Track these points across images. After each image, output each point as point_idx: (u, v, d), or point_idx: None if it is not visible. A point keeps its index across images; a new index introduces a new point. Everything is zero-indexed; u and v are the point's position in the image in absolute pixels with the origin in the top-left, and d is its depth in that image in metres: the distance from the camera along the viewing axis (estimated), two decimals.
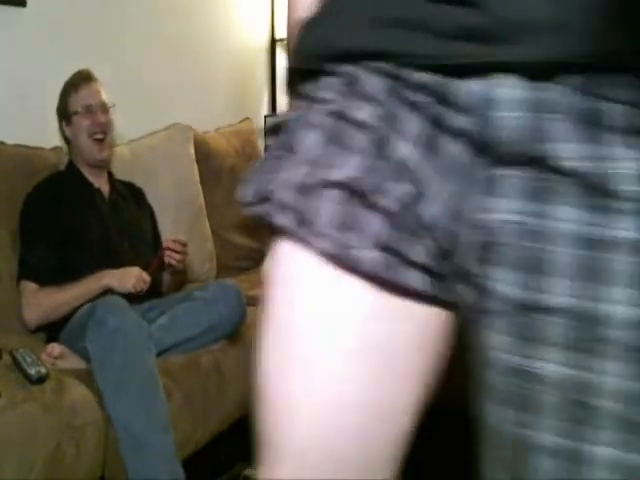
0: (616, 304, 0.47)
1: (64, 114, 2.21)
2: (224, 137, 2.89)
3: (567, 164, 0.48)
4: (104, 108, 2.20)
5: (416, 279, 0.54)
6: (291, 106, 0.66)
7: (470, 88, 0.51)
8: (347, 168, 0.54)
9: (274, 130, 0.63)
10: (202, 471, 1.81)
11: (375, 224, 0.53)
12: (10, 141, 2.15)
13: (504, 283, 0.50)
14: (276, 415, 0.58)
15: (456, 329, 0.59)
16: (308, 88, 0.60)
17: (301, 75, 0.62)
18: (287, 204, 0.55)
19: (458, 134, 0.52)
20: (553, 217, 0.48)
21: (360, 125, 0.55)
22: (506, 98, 0.50)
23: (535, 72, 0.49)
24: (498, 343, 0.51)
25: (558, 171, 0.48)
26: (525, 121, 0.49)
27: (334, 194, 0.54)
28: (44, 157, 2.23)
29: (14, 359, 1.63)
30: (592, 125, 0.48)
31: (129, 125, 2.51)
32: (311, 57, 0.59)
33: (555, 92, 0.49)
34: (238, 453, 2.00)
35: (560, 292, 0.48)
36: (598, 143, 0.48)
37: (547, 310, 0.48)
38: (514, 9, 0.48)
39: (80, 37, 2.44)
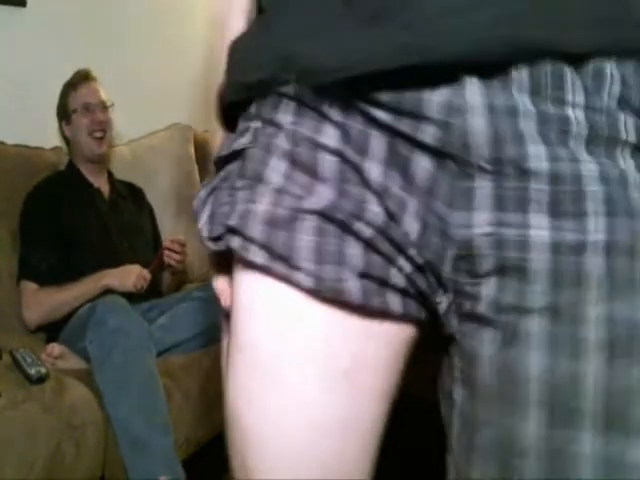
0: (593, 305, 0.48)
1: (64, 114, 2.21)
2: None
3: (538, 167, 0.48)
4: (103, 107, 2.20)
5: (392, 302, 0.55)
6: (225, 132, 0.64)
7: (432, 98, 0.49)
8: (318, 197, 0.53)
9: (228, 158, 0.60)
10: (202, 471, 1.80)
11: (352, 253, 0.53)
12: (10, 141, 2.15)
13: (487, 291, 0.51)
14: (249, 440, 0.58)
15: (418, 340, 0.60)
16: (262, 111, 0.58)
17: (239, 101, 0.60)
18: (259, 239, 0.54)
19: (426, 147, 0.51)
20: (527, 225, 0.49)
21: (324, 149, 0.54)
22: (471, 105, 0.49)
23: (491, 75, 0.48)
24: (484, 348, 0.52)
25: (529, 175, 0.49)
26: (492, 127, 0.49)
27: (307, 225, 0.53)
28: (44, 157, 2.23)
29: (14, 359, 1.63)
30: (559, 131, 0.49)
31: (129, 125, 2.51)
32: (262, 80, 0.56)
33: (518, 97, 0.49)
34: None
35: (540, 297, 0.49)
36: (565, 147, 0.49)
37: (529, 312, 0.50)
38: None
39: (80, 37, 2.44)
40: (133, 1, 2.67)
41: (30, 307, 1.97)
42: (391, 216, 0.53)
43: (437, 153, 0.51)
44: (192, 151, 2.69)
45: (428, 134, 0.50)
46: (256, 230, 0.54)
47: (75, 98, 2.19)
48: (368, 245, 0.53)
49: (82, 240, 2.06)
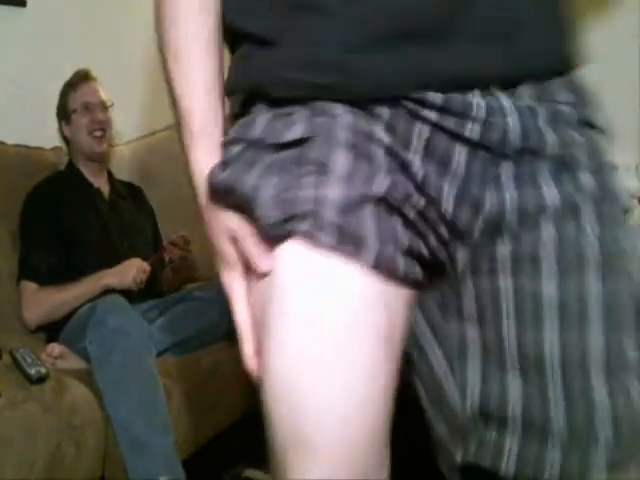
0: (590, 236, 0.66)
1: (63, 114, 2.22)
2: None
3: (552, 152, 0.65)
4: (103, 106, 2.21)
5: (418, 271, 0.66)
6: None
7: (478, 102, 0.63)
8: (376, 184, 0.62)
9: (284, 145, 0.64)
10: (202, 471, 1.80)
11: (399, 232, 0.64)
12: (10, 141, 2.15)
13: (505, 249, 0.66)
14: (303, 414, 0.61)
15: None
16: (317, 104, 0.64)
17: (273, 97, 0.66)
18: (332, 223, 0.61)
19: (465, 140, 0.63)
20: (542, 195, 0.65)
21: (377, 142, 0.63)
22: (507, 107, 0.64)
23: (511, 87, 0.64)
24: (505, 287, 0.67)
25: (543, 157, 0.65)
26: (522, 124, 0.64)
27: (369, 209, 0.62)
28: (44, 157, 2.23)
29: (14, 359, 1.63)
30: (559, 122, 0.66)
31: (129, 125, 2.51)
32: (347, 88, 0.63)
33: (530, 101, 0.65)
34: (238, 453, 2.00)
35: (551, 239, 0.66)
36: (564, 132, 0.66)
37: (543, 255, 0.66)
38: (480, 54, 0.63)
39: (80, 37, 2.44)
40: (133, 1, 2.67)
41: (30, 307, 1.97)
42: (429, 200, 0.64)
43: (473, 145, 0.64)
44: None
45: (473, 131, 0.63)
46: (329, 215, 0.61)
47: (75, 98, 2.19)
48: (409, 225, 0.64)
49: (82, 240, 2.06)
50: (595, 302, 0.65)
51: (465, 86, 0.63)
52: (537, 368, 0.66)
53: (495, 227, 0.66)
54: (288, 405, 0.61)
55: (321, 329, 0.61)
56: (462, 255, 0.67)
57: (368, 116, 0.63)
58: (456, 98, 0.62)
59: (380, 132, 0.63)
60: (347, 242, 0.61)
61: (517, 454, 0.68)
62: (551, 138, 0.65)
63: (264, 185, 0.63)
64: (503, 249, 0.66)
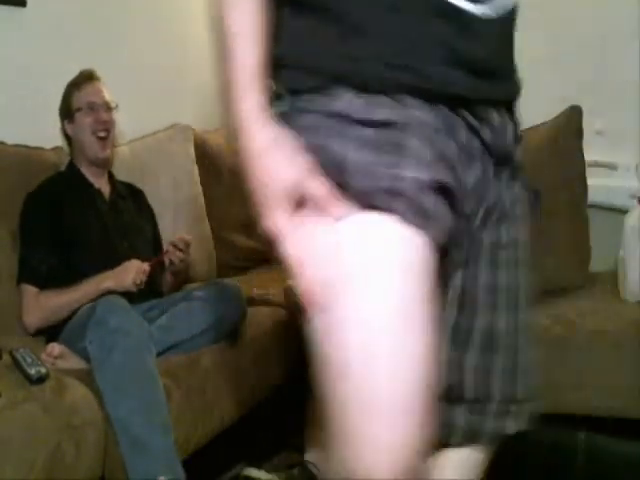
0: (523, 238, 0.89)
1: (67, 113, 2.21)
2: (224, 137, 2.89)
3: (515, 160, 0.87)
4: (107, 107, 2.20)
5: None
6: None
7: (494, 112, 0.81)
8: (443, 173, 0.74)
9: (370, 124, 0.73)
10: (202, 471, 1.80)
11: (447, 213, 0.76)
12: (10, 141, 2.15)
13: (490, 236, 0.85)
14: (375, 383, 0.69)
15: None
16: (396, 95, 0.74)
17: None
18: (409, 198, 0.71)
19: (480, 139, 0.80)
20: (513, 190, 0.87)
21: (444, 137, 0.75)
22: (506, 119, 0.84)
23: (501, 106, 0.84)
24: (483, 271, 0.85)
25: (509, 165, 0.85)
26: (513, 134, 0.85)
27: (435, 191, 0.73)
28: (44, 157, 2.23)
29: (14, 359, 1.63)
30: (510, 133, 0.85)
31: (130, 125, 2.51)
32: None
33: (507, 118, 0.85)
34: (238, 453, 2.00)
35: (509, 236, 0.86)
36: (514, 142, 0.87)
37: (502, 251, 0.85)
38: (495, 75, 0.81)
39: (80, 37, 2.45)
40: (133, 1, 2.67)
41: (30, 312, 1.96)
42: (464, 191, 0.78)
43: (484, 144, 0.80)
44: (192, 151, 2.69)
45: (487, 133, 0.80)
46: (407, 192, 0.71)
47: (79, 97, 2.18)
48: (451, 209, 0.76)
49: (82, 240, 2.06)
50: (523, 289, 0.87)
51: (489, 103, 0.81)
52: (490, 348, 0.84)
53: (487, 218, 0.83)
54: (360, 376, 0.69)
55: (394, 300, 0.70)
56: (476, 218, 0.82)
57: (434, 109, 0.75)
58: (479, 107, 0.79)
59: (440, 127, 0.75)
60: (419, 216, 0.72)
61: (464, 428, 0.86)
62: (516, 150, 0.85)
63: (354, 156, 0.72)
64: (486, 238, 0.84)
